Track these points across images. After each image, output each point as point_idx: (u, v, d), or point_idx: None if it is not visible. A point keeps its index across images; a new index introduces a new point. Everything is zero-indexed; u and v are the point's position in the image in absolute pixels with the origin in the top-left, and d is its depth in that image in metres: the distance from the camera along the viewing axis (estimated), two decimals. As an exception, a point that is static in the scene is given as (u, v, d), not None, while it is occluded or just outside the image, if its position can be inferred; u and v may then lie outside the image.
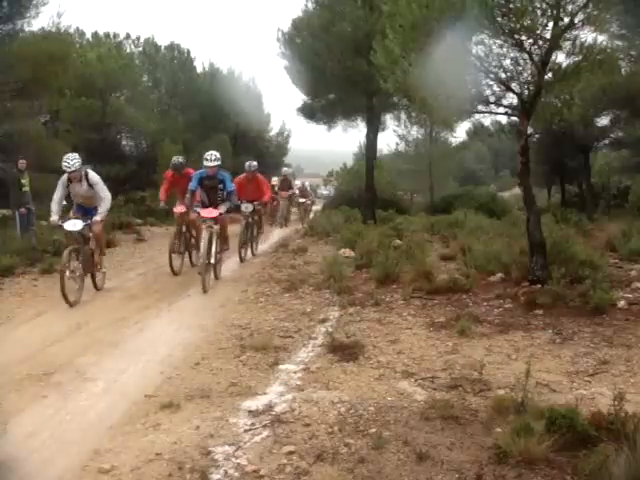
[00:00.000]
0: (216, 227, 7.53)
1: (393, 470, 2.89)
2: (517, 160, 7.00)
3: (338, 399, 3.76)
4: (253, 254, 10.48)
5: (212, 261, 7.40)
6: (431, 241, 11.03)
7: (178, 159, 9.30)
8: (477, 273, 7.07)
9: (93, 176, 7.03)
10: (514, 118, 7.89)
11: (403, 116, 21.57)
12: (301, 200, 18.93)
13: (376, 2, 13.53)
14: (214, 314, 6.28)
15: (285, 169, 19.58)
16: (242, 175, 10.59)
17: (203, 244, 7.33)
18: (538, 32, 6.24)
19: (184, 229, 8.79)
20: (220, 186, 7.98)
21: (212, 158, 7.82)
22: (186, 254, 9.04)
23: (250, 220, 10.15)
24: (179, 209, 8.83)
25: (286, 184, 17.34)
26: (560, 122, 12.88)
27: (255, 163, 10.67)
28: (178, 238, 8.68)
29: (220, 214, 7.68)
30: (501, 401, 3.50)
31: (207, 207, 7.86)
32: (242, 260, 9.72)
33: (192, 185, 8.01)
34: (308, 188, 21.10)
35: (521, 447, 2.86)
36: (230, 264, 9.23)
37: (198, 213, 7.71)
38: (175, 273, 8.35)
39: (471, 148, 36.25)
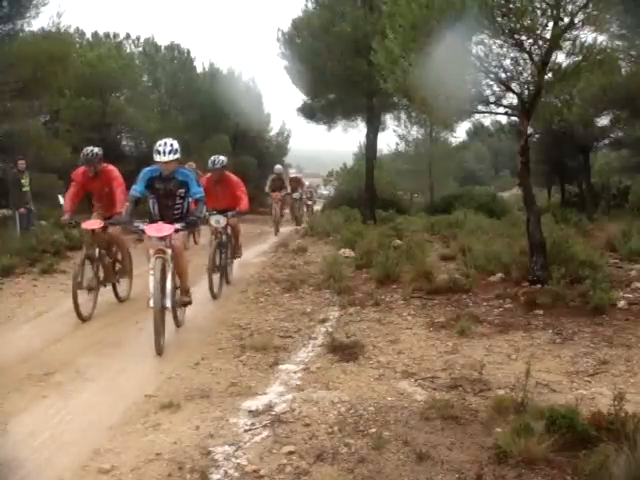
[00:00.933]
0: (170, 252, 5.11)
1: (393, 470, 2.89)
2: (517, 160, 7.00)
3: (338, 399, 3.76)
4: (227, 282, 7.67)
5: (168, 304, 5.04)
6: (431, 241, 11.02)
7: (92, 149, 6.28)
8: (477, 273, 7.07)
9: None
10: (514, 118, 7.89)
11: (403, 116, 21.58)
12: (295, 195, 16.86)
13: (376, 2, 13.56)
14: (214, 314, 6.29)
15: (278, 167, 16.62)
16: (206, 175, 7.85)
17: (152, 280, 4.88)
18: (538, 32, 6.24)
19: (98, 253, 6.20)
20: (181, 191, 5.45)
21: (166, 150, 5.18)
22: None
23: (223, 238, 7.37)
24: (91, 224, 6.15)
25: (278, 184, 15.23)
26: (560, 122, 12.85)
27: (223, 158, 7.58)
28: (90, 266, 6.08)
29: (176, 231, 5.23)
30: (501, 401, 3.50)
31: (157, 222, 5.36)
32: (215, 296, 6.92)
33: (136, 189, 5.38)
34: (306, 183, 19.11)
35: (521, 447, 2.86)
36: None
37: (142, 231, 5.27)
38: (83, 319, 5.80)
39: (471, 148, 36.26)
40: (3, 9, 11.62)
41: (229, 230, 7.62)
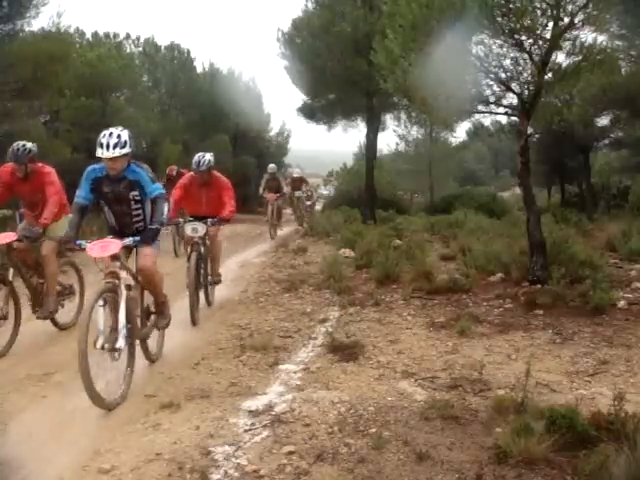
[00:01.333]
0: (124, 275, 4.03)
1: (393, 470, 2.89)
2: (517, 160, 7.01)
3: (338, 399, 3.76)
4: (208, 303, 6.54)
5: (120, 343, 3.83)
6: (431, 241, 11.03)
7: (23, 144, 5.13)
8: (477, 273, 7.07)
9: None
10: (514, 118, 7.90)
11: (403, 116, 21.59)
12: (297, 194, 15.70)
13: (376, 2, 13.57)
14: (214, 314, 6.29)
15: (272, 166, 14.69)
16: (188, 175, 6.65)
17: (82, 311, 3.93)
18: (538, 32, 6.25)
19: (12, 272, 5.03)
20: (134, 194, 4.27)
21: (111, 142, 3.96)
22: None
23: (202, 250, 6.17)
24: (2, 237, 5.00)
25: (274, 184, 13.99)
26: (560, 122, 12.88)
27: (209, 157, 6.30)
28: (3, 290, 4.94)
29: (126, 248, 4.17)
30: (501, 401, 3.50)
31: (114, 235, 4.29)
32: (195, 321, 5.80)
33: (80, 195, 4.17)
34: (309, 182, 17.09)
35: (521, 447, 2.86)
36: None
37: (82, 249, 4.00)
38: None
39: (471, 148, 36.24)
40: (3, 9, 11.60)
41: (208, 243, 6.37)
